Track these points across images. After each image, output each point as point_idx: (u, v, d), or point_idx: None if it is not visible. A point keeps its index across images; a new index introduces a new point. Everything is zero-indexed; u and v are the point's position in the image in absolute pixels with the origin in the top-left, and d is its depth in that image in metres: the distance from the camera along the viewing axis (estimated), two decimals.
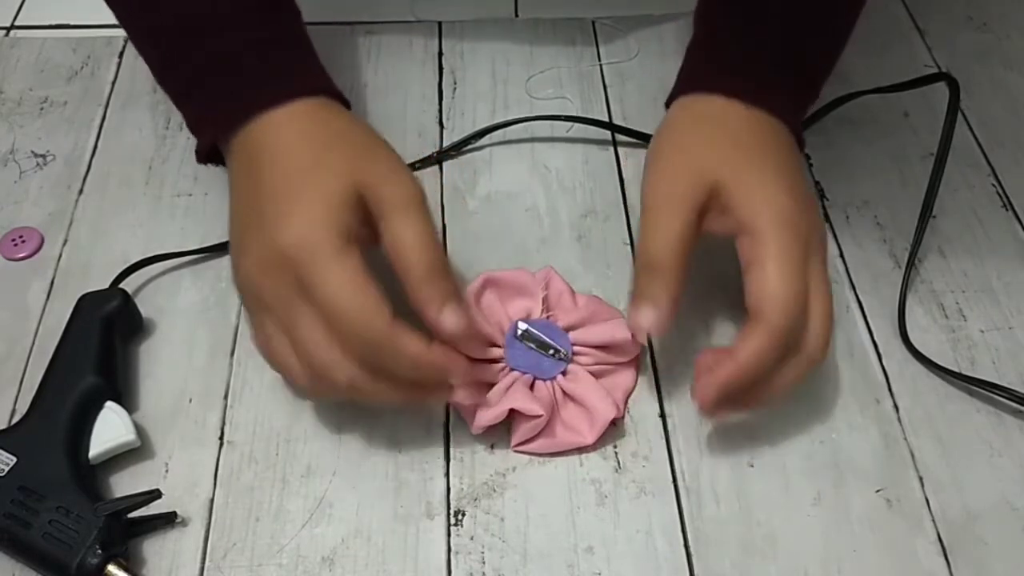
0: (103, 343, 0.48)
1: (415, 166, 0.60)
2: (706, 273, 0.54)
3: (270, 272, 0.42)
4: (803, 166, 0.50)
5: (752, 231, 0.45)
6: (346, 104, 0.50)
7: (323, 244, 0.41)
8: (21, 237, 0.55)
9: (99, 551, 0.42)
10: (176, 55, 0.49)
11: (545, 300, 0.50)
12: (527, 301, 0.50)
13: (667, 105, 0.52)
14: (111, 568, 0.42)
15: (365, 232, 0.44)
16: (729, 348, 0.44)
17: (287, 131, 0.46)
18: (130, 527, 0.44)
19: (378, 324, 0.41)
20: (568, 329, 0.49)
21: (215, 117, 0.48)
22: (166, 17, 0.49)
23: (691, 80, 0.51)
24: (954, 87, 0.56)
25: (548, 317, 0.49)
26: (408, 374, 0.42)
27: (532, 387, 0.47)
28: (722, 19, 0.52)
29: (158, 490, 0.44)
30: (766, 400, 0.45)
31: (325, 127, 0.47)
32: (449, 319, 0.42)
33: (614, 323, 0.48)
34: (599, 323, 0.49)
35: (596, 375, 0.48)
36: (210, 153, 0.50)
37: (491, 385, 0.47)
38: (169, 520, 0.45)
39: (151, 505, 0.44)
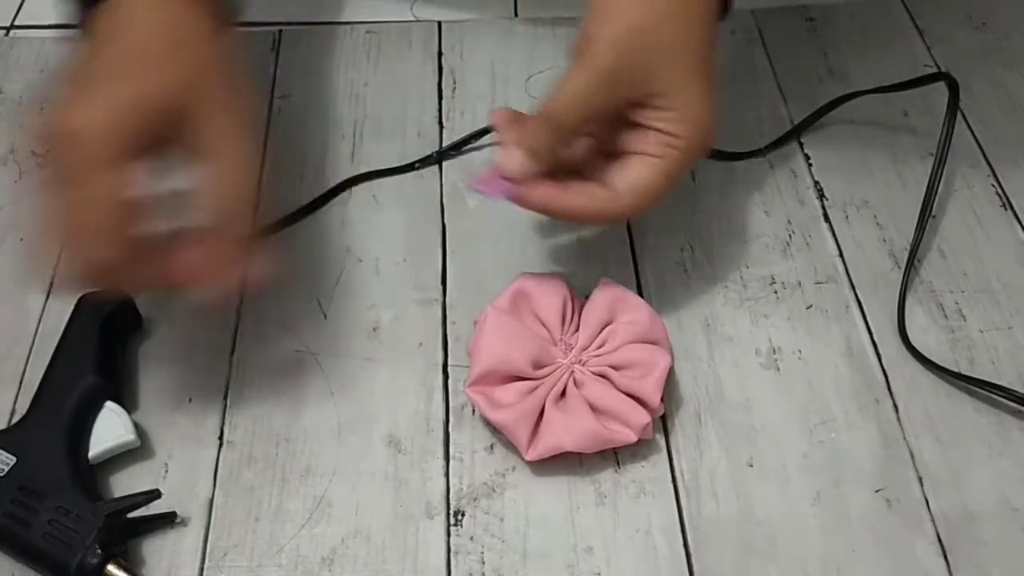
0: (103, 343, 0.48)
1: (414, 166, 0.60)
2: (706, 276, 0.54)
3: (51, 143, 0.41)
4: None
5: (674, 142, 0.46)
6: None
7: (94, 146, 0.40)
8: None
9: (99, 551, 0.42)
10: None
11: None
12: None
13: None
14: (111, 568, 0.42)
15: (172, 140, 0.42)
16: (565, 184, 0.46)
17: (138, 16, 0.44)
18: (130, 527, 0.44)
19: (114, 248, 0.40)
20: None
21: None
22: None
23: None
24: (954, 87, 0.56)
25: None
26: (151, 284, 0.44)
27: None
28: None
29: (158, 490, 0.44)
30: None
31: (173, 26, 0.45)
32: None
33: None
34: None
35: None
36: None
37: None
38: (169, 520, 0.45)
39: (151, 505, 0.44)
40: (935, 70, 0.66)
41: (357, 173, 0.59)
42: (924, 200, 0.55)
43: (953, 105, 0.56)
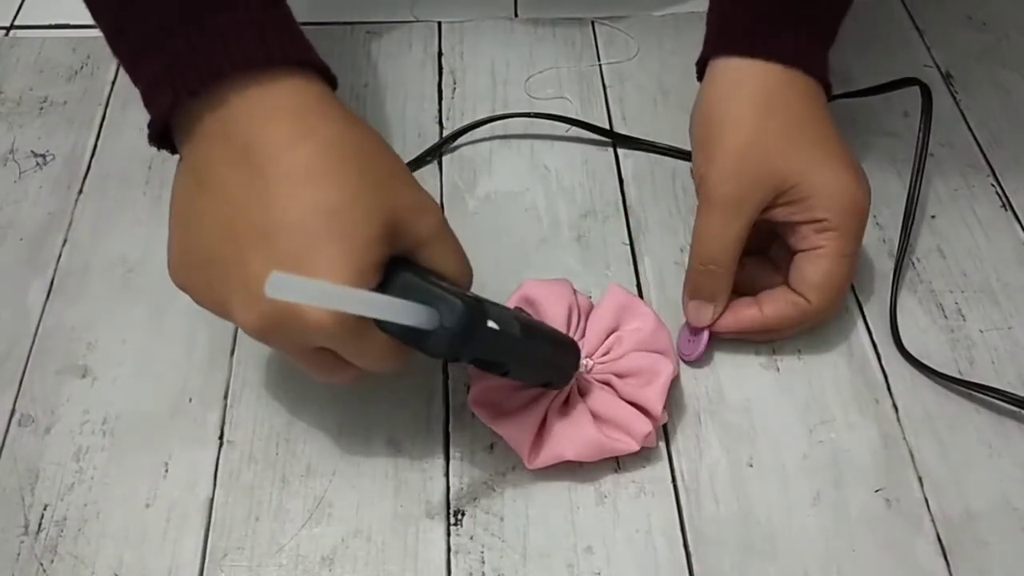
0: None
1: (413, 165, 0.60)
2: None
3: (276, 330, 0.38)
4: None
5: (826, 225, 0.46)
6: (332, 83, 0.43)
7: (351, 324, 0.38)
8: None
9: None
10: (134, 11, 0.41)
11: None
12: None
13: (700, 65, 0.51)
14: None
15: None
16: (758, 297, 0.49)
17: (286, 127, 0.39)
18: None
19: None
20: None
21: (173, 80, 0.40)
22: None
23: (728, 41, 0.49)
24: (926, 92, 0.56)
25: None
26: None
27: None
28: None
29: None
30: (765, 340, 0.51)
31: (338, 132, 0.40)
32: None
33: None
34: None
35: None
36: (165, 131, 0.42)
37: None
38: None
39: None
40: (935, 70, 0.66)
41: None
42: (907, 205, 0.55)
43: (927, 109, 0.56)
